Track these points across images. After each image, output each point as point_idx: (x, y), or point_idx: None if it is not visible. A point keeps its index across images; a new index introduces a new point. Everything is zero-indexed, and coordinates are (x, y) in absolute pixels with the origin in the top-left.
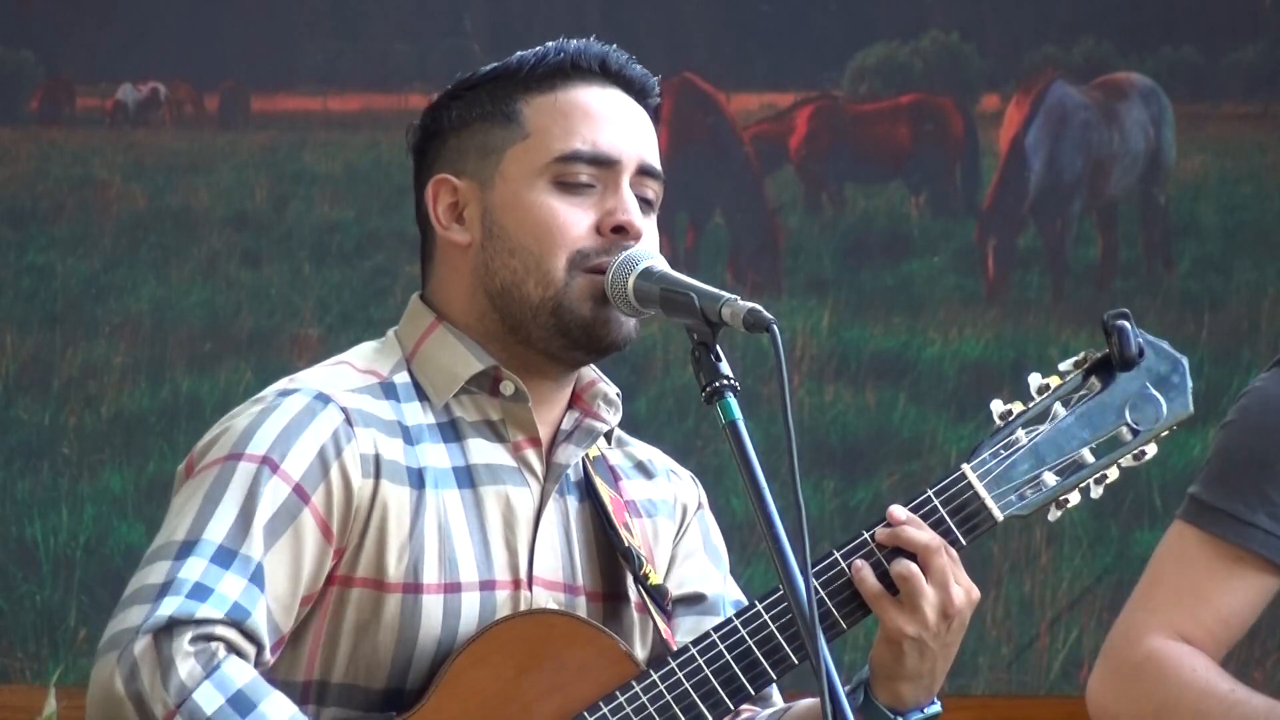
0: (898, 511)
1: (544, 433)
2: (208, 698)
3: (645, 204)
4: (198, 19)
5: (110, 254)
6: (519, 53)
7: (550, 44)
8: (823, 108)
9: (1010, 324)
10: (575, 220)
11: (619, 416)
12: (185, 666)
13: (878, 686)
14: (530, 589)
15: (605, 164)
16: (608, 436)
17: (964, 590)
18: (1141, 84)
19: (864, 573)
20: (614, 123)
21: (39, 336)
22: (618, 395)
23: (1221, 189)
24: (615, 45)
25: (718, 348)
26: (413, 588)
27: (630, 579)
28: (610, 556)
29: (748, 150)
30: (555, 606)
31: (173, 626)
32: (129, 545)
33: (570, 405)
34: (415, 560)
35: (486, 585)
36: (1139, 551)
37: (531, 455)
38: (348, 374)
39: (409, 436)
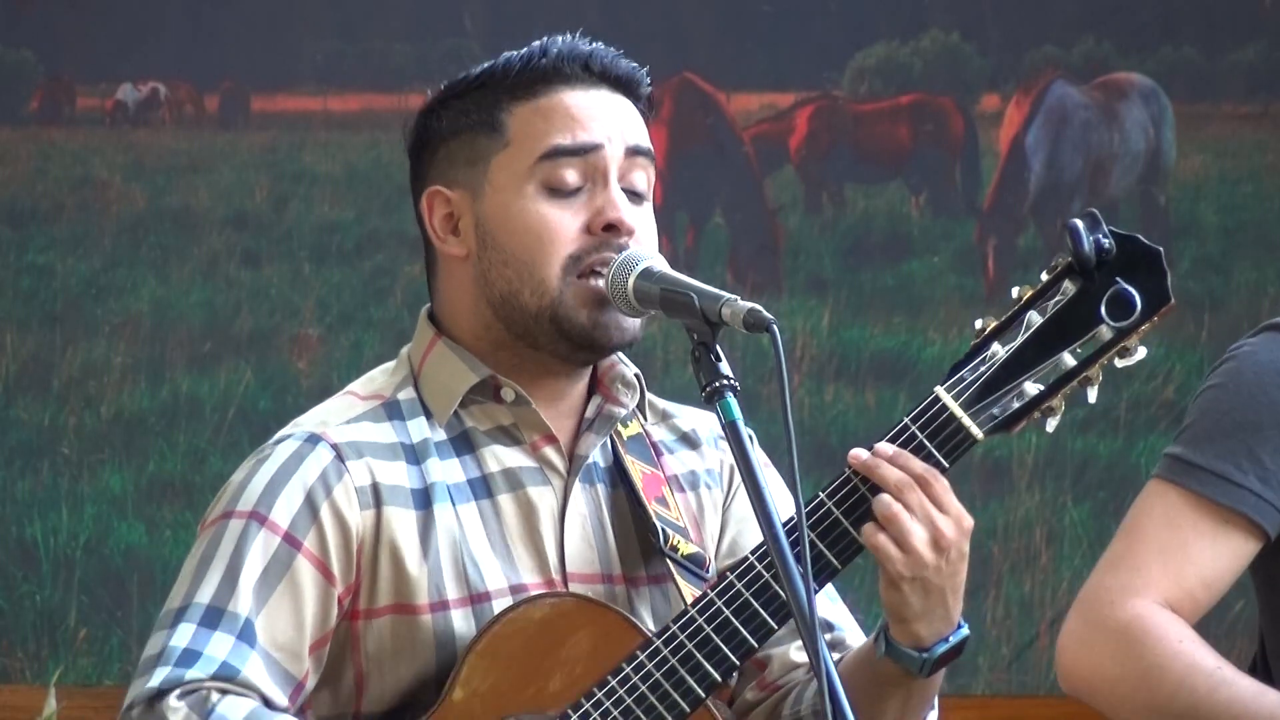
0: (882, 447)
1: (565, 426)
2: None
3: (636, 196)
4: (198, 19)
5: (110, 254)
6: (505, 54)
7: (535, 45)
8: (823, 108)
9: None
10: (564, 224)
11: (637, 398)
12: (179, 718)
13: (894, 630)
14: (565, 587)
15: (589, 152)
16: (644, 412)
17: (953, 520)
18: (1141, 84)
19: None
20: (595, 117)
21: (39, 336)
22: (636, 376)
23: (1221, 189)
24: (600, 43)
25: (718, 348)
26: (439, 606)
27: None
28: (648, 538)
29: (748, 150)
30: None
31: (162, 693)
32: (129, 545)
33: (595, 391)
34: (435, 579)
35: (518, 590)
36: None
37: (550, 452)
38: (349, 404)
39: (413, 456)
